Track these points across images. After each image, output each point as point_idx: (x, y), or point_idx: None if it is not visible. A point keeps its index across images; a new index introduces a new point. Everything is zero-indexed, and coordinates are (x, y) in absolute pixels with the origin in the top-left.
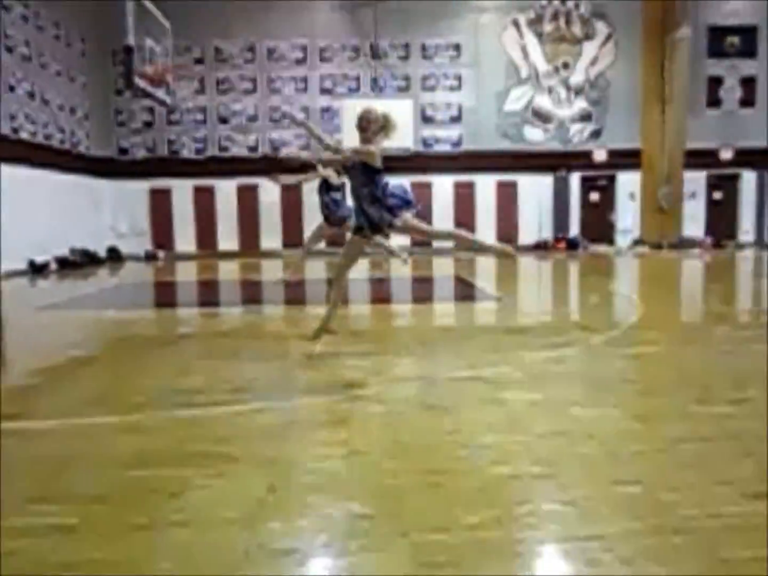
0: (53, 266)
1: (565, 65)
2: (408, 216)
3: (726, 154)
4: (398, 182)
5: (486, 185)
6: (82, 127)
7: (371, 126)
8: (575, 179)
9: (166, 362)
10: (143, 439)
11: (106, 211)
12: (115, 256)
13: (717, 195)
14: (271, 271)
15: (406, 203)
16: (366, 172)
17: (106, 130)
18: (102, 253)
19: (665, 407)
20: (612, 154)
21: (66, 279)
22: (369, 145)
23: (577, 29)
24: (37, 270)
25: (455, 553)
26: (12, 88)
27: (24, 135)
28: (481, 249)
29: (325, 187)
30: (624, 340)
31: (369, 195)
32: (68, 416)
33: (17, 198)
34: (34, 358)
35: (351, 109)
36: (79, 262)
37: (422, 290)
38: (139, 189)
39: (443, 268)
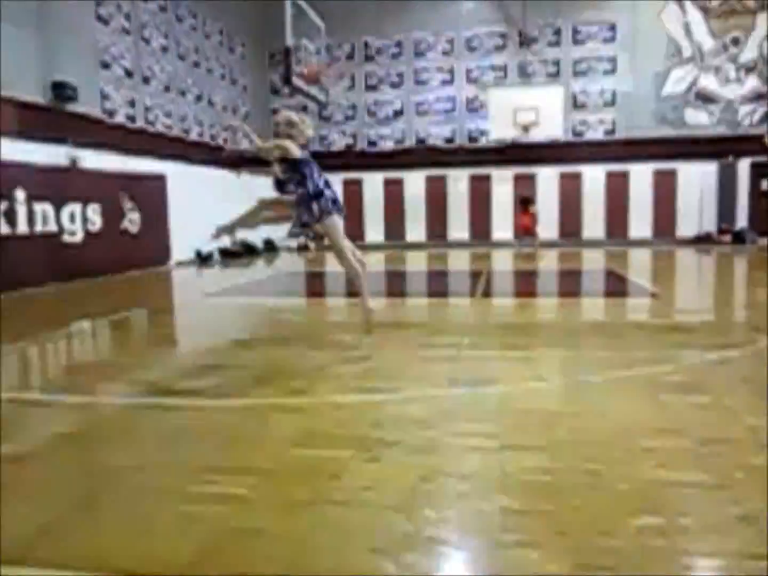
0: (216, 256)
1: (735, 41)
2: (330, 223)
3: None
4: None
5: (641, 174)
6: None
7: (279, 129)
8: (744, 166)
9: (323, 348)
10: (305, 420)
11: None
12: (270, 247)
13: None
14: (417, 261)
15: (335, 205)
16: (292, 168)
17: (264, 129)
18: (259, 244)
19: None
20: None
21: (228, 268)
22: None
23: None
24: (203, 260)
25: (615, 558)
26: (183, 93)
27: (193, 135)
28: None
29: (278, 185)
30: None
31: (300, 195)
32: (237, 395)
33: (186, 193)
34: (207, 339)
35: (498, 98)
36: (239, 253)
37: (573, 284)
38: None
39: (594, 261)
